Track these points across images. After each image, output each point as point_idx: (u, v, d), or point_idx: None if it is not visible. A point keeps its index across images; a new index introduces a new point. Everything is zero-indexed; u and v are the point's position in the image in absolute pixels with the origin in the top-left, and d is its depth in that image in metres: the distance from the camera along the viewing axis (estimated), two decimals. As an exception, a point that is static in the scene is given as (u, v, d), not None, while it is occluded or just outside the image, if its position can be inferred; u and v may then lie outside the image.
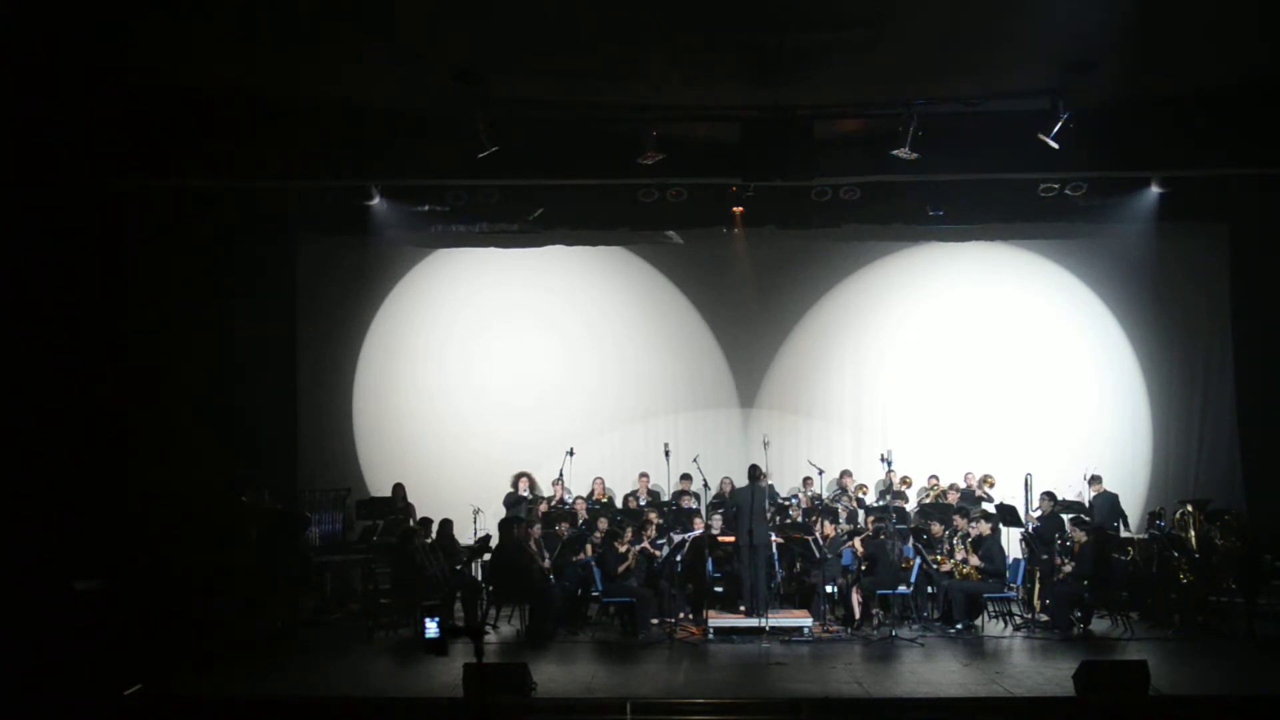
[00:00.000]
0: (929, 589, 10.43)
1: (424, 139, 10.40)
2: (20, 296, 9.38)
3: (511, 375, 13.13)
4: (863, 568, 10.22)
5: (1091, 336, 13.12)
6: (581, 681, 8.13)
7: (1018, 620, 10.27)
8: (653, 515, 10.83)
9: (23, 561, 8.60)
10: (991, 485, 11.82)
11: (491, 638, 9.75)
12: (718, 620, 9.83)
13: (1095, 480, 11.53)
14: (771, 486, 11.74)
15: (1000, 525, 10.99)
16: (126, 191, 10.44)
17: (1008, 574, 10.23)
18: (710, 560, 10.53)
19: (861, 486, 12.11)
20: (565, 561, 10.24)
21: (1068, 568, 9.89)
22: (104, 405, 10.16)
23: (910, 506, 11.74)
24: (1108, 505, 11.41)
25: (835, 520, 10.80)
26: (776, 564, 10.17)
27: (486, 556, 10.62)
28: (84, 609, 8.55)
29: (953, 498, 11.65)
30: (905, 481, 11.94)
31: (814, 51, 8.88)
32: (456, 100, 9.40)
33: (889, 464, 10.81)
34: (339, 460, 12.93)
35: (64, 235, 9.75)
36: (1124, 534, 11.30)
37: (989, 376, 13.03)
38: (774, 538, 10.13)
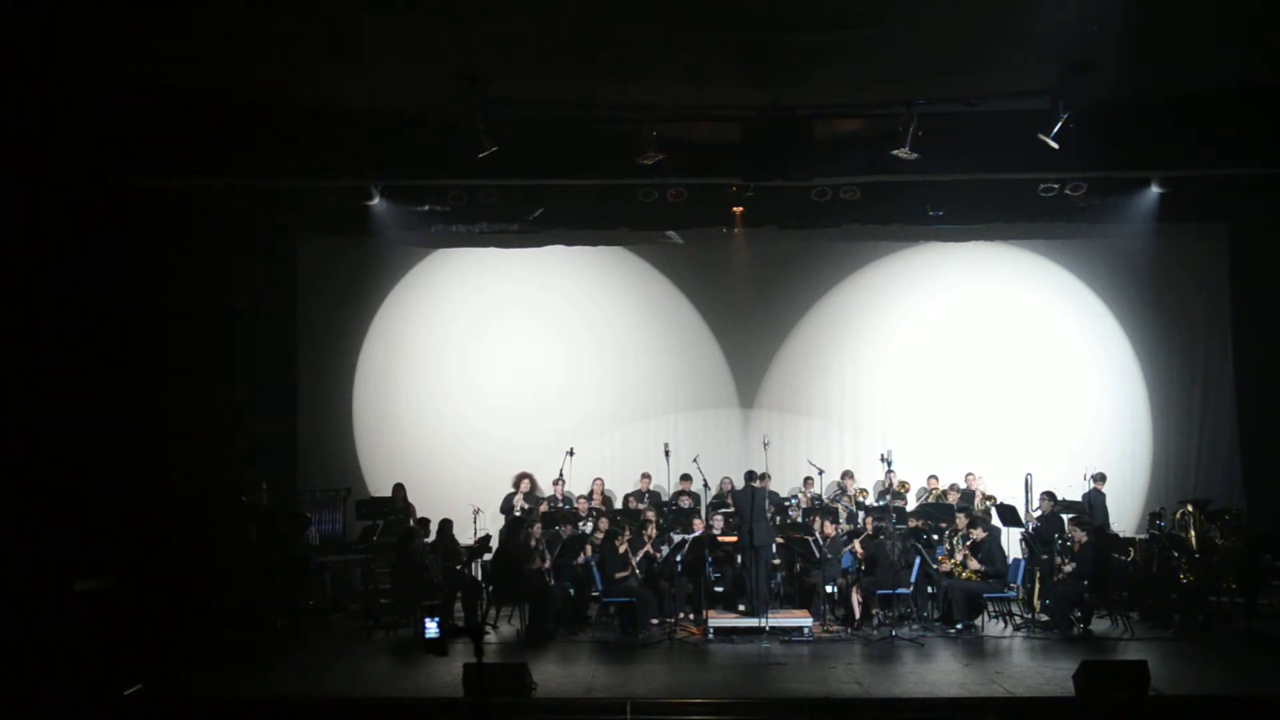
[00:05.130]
0: (929, 589, 10.44)
1: (424, 139, 10.40)
2: (20, 296, 9.38)
3: (511, 375, 13.13)
4: (862, 568, 10.22)
5: (1091, 336, 13.12)
6: (581, 681, 8.13)
7: (1018, 620, 10.28)
8: (651, 515, 10.84)
9: (23, 561, 8.60)
10: (990, 501, 11.74)
11: (491, 638, 9.75)
12: (718, 620, 9.83)
13: (1100, 478, 11.51)
14: (775, 494, 11.74)
15: (1000, 525, 11.01)
16: (126, 191, 10.44)
17: (1008, 574, 10.23)
18: (710, 560, 10.53)
19: (862, 490, 12.09)
20: (565, 562, 10.25)
21: (1068, 568, 9.89)
22: (104, 405, 10.17)
23: (909, 508, 11.72)
24: (1099, 503, 11.42)
25: (835, 520, 10.80)
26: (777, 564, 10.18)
27: (486, 556, 10.64)
28: (84, 609, 8.56)
29: (953, 498, 11.65)
30: (904, 485, 11.92)
31: (814, 51, 8.88)
32: (456, 100, 9.40)
33: (889, 464, 10.82)
34: (339, 460, 12.94)
35: (64, 235, 9.75)
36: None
37: (989, 376, 13.02)
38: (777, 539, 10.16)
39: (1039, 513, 11.19)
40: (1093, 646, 9.29)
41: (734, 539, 10.29)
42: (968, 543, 10.17)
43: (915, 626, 10.06)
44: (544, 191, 11.75)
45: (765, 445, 11.25)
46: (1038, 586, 10.57)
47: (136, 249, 10.72)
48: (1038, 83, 9.39)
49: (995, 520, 11.02)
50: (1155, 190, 11.46)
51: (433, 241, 13.07)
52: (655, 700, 7.57)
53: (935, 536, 10.72)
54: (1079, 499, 11.39)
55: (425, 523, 10.78)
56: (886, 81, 9.48)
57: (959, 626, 9.90)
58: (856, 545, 10.33)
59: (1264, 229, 12.16)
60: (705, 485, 11.33)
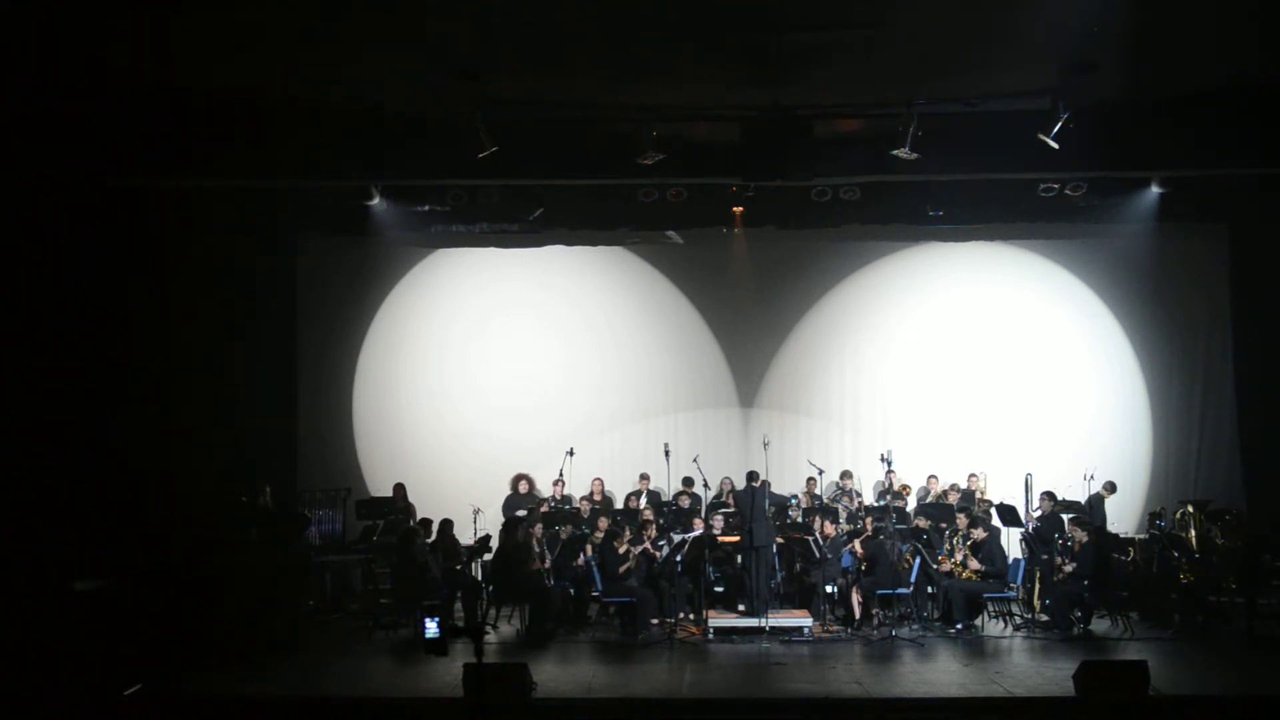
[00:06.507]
0: (929, 589, 10.43)
1: (424, 139, 10.39)
2: (20, 297, 9.38)
3: (511, 375, 13.12)
4: (863, 568, 10.22)
5: (1091, 336, 13.12)
6: (581, 681, 8.13)
7: (1018, 620, 10.28)
8: (649, 514, 10.83)
9: (23, 561, 8.60)
10: (985, 501, 11.73)
11: (491, 638, 9.75)
12: (718, 620, 9.83)
13: (1110, 486, 11.52)
14: (777, 494, 11.74)
15: (1000, 525, 11.01)
16: (126, 191, 10.44)
17: (1008, 574, 10.23)
18: (710, 560, 10.53)
19: (861, 505, 11.98)
20: (565, 563, 10.24)
21: (1068, 568, 9.89)
22: (103, 405, 10.16)
23: (910, 508, 11.72)
24: (1098, 507, 11.43)
25: (835, 521, 10.80)
26: (777, 564, 10.18)
27: (486, 556, 10.64)
28: (84, 609, 8.55)
29: (953, 498, 11.65)
30: (905, 489, 11.89)
31: (814, 51, 8.88)
32: (456, 100, 9.40)
33: (889, 464, 10.81)
34: (339, 460, 12.93)
35: (64, 235, 9.75)
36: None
37: (989, 376, 13.02)
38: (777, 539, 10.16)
39: (1039, 513, 11.19)
40: (1093, 646, 9.29)
41: (734, 539, 10.29)
42: (968, 542, 10.17)
43: (915, 626, 10.06)
44: (544, 191, 11.75)
45: (765, 445, 11.24)
46: (1038, 586, 10.57)
47: (136, 249, 10.72)
48: (1038, 83, 9.39)
49: (995, 520, 11.01)
50: (1155, 190, 11.45)
51: (433, 241, 13.06)
52: (655, 700, 7.57)
53: (937, 535, 10.71)
54: (1081, 501, 11.39)
55: (426, 523, 10.79)
56: (886, 81, 9.47)
57: (959, 626, 9.90)
58: (856, 545, 10.33)
59: (1264, 229, 12.15)
60: (705, 485, 11.33)
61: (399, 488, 11.87)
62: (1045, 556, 10.42)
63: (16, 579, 8.49)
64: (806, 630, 9.59)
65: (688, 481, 11.88)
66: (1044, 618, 10.18)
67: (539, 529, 10.42)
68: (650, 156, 9.88)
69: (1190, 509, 10.89)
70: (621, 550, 10.08)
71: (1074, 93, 9.30)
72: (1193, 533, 10.60)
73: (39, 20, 8.13)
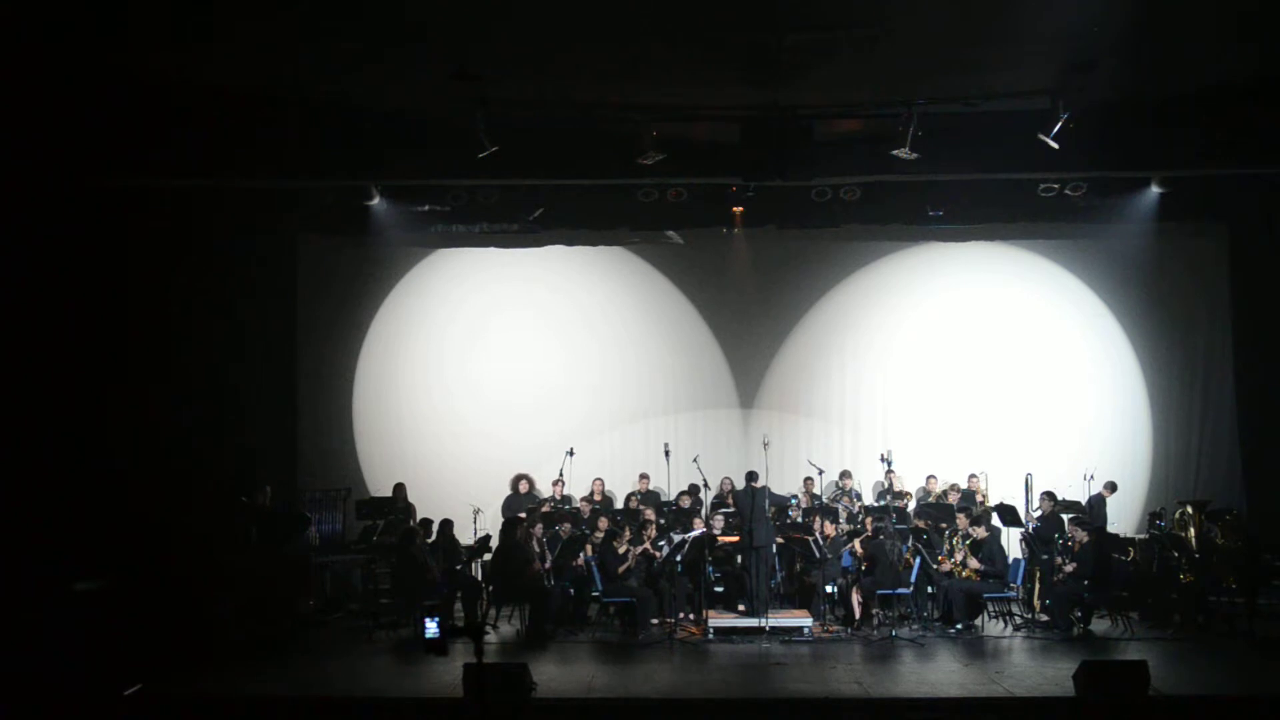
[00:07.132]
0: (929, 589, 10.43)
1: (424, 139, 10.41)
2: (19, 297, 9.38)
3: (511, 375, 13.11)
4: (863, 568, 10.22)
5: (1091, 336, 13.11)
6: (581, 681, 8.13)
7: (1018, 620, 10.27)
8: (650, 514, 10.84)
9: (23, 561, 8.60)
10: (984, 500, 11.73)
11: (491, 638, 9.74)
12: (718, 620, 9.83)
13: (1110, 486, 11.53)
14: (767, 487, 11.74)
15: (1000, 525, 11.01)
16: (126, 191, 10.45)
17: (1008, 574, 10.23)
18: (710, 560, 10.53)
19: (859, 506, 11.97)
20: (565, 563, 10.24)
21: (1068, 568, 9.89)
22: (104, 405, 10.17)
23: (910, 508, 11.71)
24: (1099, 508, 11.43)
25: (835, 521, 10.80)
26: (777, 564, 10.18)
27: (486, 556, 10.64)
28: (84, 609, 8.55)
29: (953, 498, 11.64)
30: (906, 495, 11.87)
31: (814, 51, 8.89)
32: (456, 100, 9.40)
33: (889, 464, 10.78)
34: (339, 460, 12.92)
35: (63, 235, 9.75)
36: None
37: (989, 376, 13.01)
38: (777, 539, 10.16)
39: (1039, 513, 11.19)
40: (1093, 646, 9.29)
41: (734, 539, 10.29)
42: (968, 542, 10.17)
43: (915, 626, 10.06)
44: (544, 191, 11.75)
45: (765, 445, 11.24)
46: (1038, 586, 10.57)
47: (136, 249, 10.72)
48: (1038, 83, 9.40)
49: (995, 520, 11.01)
50: (1155, 190, 11.47)
51: (433, 241, 13.05)
52: (655, 700, 7.57)
53: (937, 535, 10.70)
54: (1083, 501, 11.38)
55: (426, 523, 10.78)
56: (886, 81, 9.49)
57: (959, 626, 9.90)
58: (856, 545, 10.33)
59: (1264, 229, 12.15)
60: (705, 485, 11.32)
61: (399, 488, 11.86)
62: (1045, 556, 10.42)
63: (16, 579, 8.50)
64: (806, 630, 9.59)
65: (693, 488, 11.86)
66: (1044, 618, 10.18)
67: (539, 529, 10.41)
68: (650, 156, 9.90)
69: (1190, 509, 10.88)
70: (621, 550, 10.08)
71: (1074, 93, 9.31)
72: (1193, 533, 10.59)
73: (40, 19, 8.13)
